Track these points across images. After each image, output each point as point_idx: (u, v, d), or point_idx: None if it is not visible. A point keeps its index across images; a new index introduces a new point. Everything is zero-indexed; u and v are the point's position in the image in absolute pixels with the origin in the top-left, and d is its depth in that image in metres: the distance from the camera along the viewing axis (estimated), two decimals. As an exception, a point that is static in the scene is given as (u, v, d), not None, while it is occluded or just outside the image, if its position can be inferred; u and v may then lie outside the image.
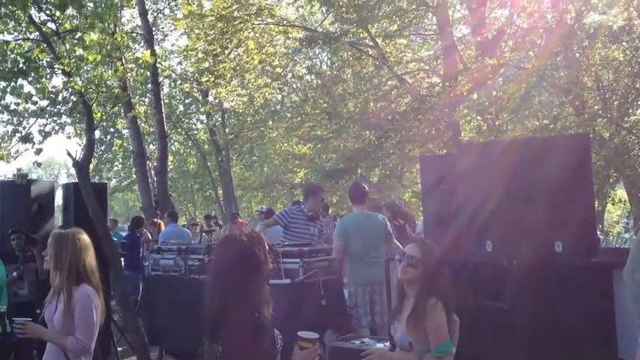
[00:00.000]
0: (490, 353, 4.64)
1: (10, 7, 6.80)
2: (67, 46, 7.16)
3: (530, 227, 4.65)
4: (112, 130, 24.70)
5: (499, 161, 4.95)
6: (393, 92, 18.22)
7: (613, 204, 16.29)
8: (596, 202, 11.75)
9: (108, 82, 7.62)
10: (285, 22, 18.50)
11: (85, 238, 3.85)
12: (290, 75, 21.11)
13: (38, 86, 7.02)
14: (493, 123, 12.74)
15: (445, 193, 5.53)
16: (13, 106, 7.21)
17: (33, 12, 7.21)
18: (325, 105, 18.40)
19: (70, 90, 7.09)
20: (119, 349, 7.85)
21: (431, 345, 3.24)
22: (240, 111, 24.38)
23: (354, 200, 6.71)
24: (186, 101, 26.59)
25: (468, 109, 13.35)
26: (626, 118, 12.62)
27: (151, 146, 23.28)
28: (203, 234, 11.28)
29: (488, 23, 15.19)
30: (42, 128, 8.04)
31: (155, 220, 12.49)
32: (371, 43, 16.95)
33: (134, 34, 18.49)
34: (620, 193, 17.44)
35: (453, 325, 3.40)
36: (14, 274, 6.95)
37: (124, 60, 8.80)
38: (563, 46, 12.19)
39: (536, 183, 4.69)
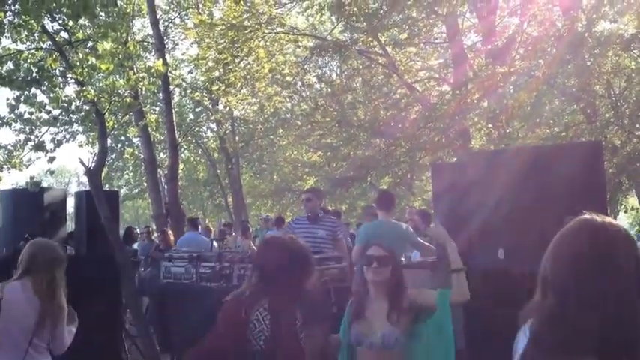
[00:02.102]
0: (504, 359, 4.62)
1: (23, 16, 6.88)
2: (80, 56, 7.23)
3: (543, 235, 4.63)
4: (122, 138, 24.83)
5: (511, 169, 4.94)
6: (403, 100, 18.23)
7: (625, 212, 16.19)
8: (608, 210, 11.67)
9: (120, 91, 7.68)
10: (295, 30, 18.60)
11: None
12: (300, 83, 21.15)
13: (52, 95, 7.08)
14: (504, 131, 12.71)
15: (456, 201, 5.53)
16: (27, 115, 7.26)
17: (46, 22, 7.29)
18: (335, 113, 18.43)
19: (82, 99, 7.15)
20: (129, 355, 7.87)
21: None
22: (250, 119, 24.48)
23: (379, 207, 6.73)
24: (197, 110, 26.71)
25: (479, 116, 13.33)
26: (637, 126, 12.55)
27: (162, 154, 23.37)
28: (214, 242, 11.29)
29: (498, 31, 15.19)
30: (54, 137, 8.09)
31: (164, 229, 12.53)
32: (381, 52, 16.98)
33: (145, 44, 18.61)
34: (632, 201, 17.34)
35: None
36: None
37: (135, 69, 8.87)
38: (574, 53, 12.16)
39: (548, 191, 4.68)
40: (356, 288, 3.68)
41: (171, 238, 11.24)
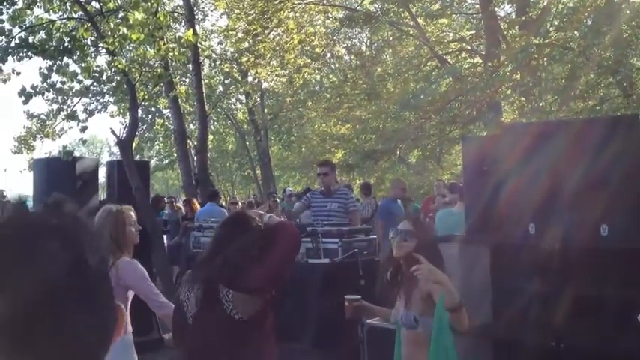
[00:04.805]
0: (531, 336, 4.60)
1: (55, -14, 6.92)
2: (111, 25, 7.26)
3: (575, 210, 4.56)
4: (153, 109, 24.99)
5: (544, 143, 4.84)
6: (433, 73, 18.00)
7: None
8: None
9: (150, 62, 7.71)
10: (324, 1, 18.41)
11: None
12: (329, 55, 20.99)
13: (83, 65, 7.14)
14: (536, 104, 12.48)
15: (487, 175, 5.45)
16: (59, 85, 7.33)
17: (77, -9, 7.31)
18: (365, 85, 18.29)
19: (113, 69, 7.20)
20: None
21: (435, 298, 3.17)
22: (279, 91, 24.42)
23: (460, 198, 6.79)
24: (226, 81, 26.71)
25: (511, 89, 13.10)
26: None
27: (192, 126, 23.50)
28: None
29: (532, 2, 14.84)
30: (86, 107, 8.19)
31: (189, 199, 12.64)
32: (412, 23, 16.74)
33: (175, 14, 18.60)
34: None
35: None
36: None
37: (165, 39, 8.89)
38: (611, 24, 11.84)
39: (582, 165, 4.59)
40: (387, 263, 3.58)
41: (197, 207, 11.38)
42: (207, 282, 2.95)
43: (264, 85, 24.32)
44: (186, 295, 3.01)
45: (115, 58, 6.94)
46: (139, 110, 8.79)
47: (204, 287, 2.96)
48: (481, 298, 4.85)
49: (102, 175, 10.26)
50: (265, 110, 25.92)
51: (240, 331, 2.87)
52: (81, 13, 7.34)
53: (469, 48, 17.95)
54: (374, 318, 3.63)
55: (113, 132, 7.30)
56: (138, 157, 24.52)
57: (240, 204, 13.73)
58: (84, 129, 7.47)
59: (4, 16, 7.09)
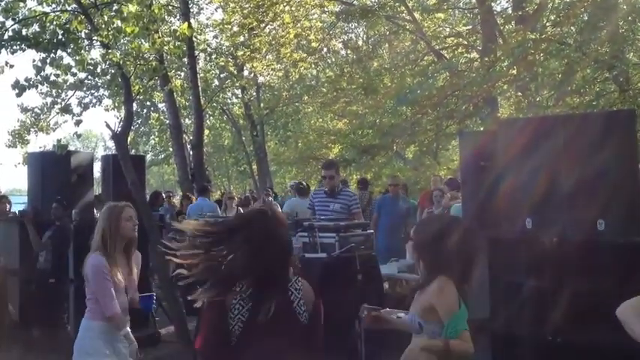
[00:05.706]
0: (528, 331, 4.59)
1: (49, -22, 6.86)
2: (105, 18, 7.19)
3: (572, 205, 4.55)
4: (148, 103, 24.86)
5: (541, 138, 4.84)
6: (430, 68, 17.97)
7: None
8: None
9: (145, 55, 7.65)
10: (321, -6, 18.35)
11: None
12: (326, 49, 20.93)
13: (77, 58, 7.07)
14: (533, 99, 12.46)
15: (485, 170, 5.45)
16: (52, 78, 7.26)
17: (71, -17, 7.25)
18: (361, 80, 18.24)
19: (108, 62, 7.14)
20: (157, 318, 7.96)
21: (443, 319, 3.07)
22: (276, 85, 24.34)
23: None
24: (222, 75, 26.57)
25: (508, 84, 13.08)
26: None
27: (187, 120, 23.41)
28: (239, 208, 11.35)
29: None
30: (80, 100, 8.13)
31: (188, 194, 12.61)
32: (408, 17, 16.70)
33: (170, 7, 18.49)
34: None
35: (462, 293, 3.17)
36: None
37: (160, 33, 8.82)
38: (607, 20, 11.83)
39: (579, 160, 4.59)
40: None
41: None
42: (278, 276, 2.65)
43: (260, 79, 24.26)
44: (236, 299, 2.58)
45: (110, 51, 6.88)
46: (134, 104, 8.73)
47: (275, 281, 2.62)
48: (479, 293, 4.82)
49: (97, 169, 10.22)
50: (261, 105, 25.83)
51: (306, 333, 2.65)
52: (74, 5, 7.26)
53: (466, 43, 17.90)
54: (392, 328, 3.46)
55: (108, 125, 7.25)
56: (133, 151, 24.42)
57: (236, 198, 13.71)
58: (78, 122, 7.40)
59: (-3, 9, 7.03)
